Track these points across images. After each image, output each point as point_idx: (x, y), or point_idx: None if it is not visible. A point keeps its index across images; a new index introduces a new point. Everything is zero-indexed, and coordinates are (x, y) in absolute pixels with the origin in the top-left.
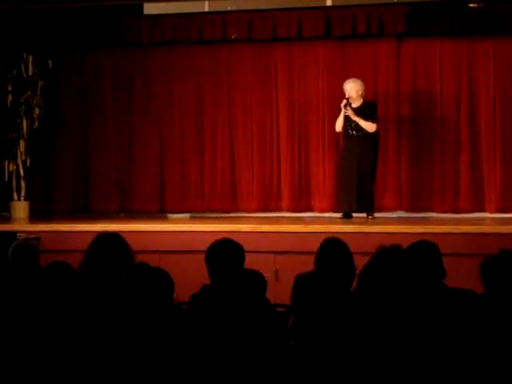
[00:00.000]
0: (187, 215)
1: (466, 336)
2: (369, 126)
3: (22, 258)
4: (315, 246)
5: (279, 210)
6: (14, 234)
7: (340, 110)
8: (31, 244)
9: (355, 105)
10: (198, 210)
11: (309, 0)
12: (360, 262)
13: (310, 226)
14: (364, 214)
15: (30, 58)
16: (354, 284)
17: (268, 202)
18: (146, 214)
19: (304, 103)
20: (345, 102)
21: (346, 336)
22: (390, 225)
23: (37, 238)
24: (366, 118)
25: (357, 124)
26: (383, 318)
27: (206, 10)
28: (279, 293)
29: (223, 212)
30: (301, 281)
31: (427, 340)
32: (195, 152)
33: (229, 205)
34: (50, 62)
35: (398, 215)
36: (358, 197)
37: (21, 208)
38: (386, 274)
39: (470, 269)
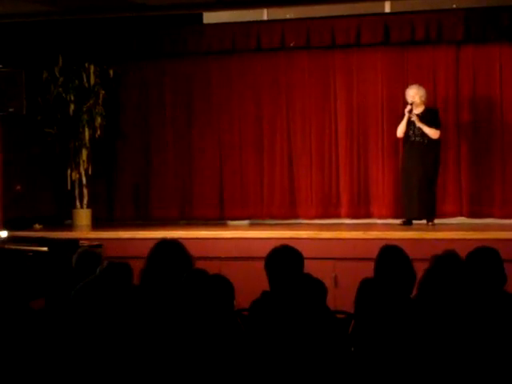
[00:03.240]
0: (246, 222)
1: None
2: (432, 133)
3: (87, 265)
4: (375, 252)
5: (338, 216)
6: (76, 241)
7: (399, 115)
8: (95, 252)
9: (418, 111)
10: (257, 217)
11: (367, 7)
12: (421, 269)
13: (369, 232)
14: (424, 221)
15: (92, 68)
16: (415, 291)
17: (327, 209)
18: (206, 221)
19: (363, 110)
20: (409, 107)
21: (406, 342)
22: (451, 231)
23: (99, 245)
24: (429, 125)
25: (421, 130)
26: (444, 325)
27: (265, 18)
28: (339, 299)
29: (282, 219)
30: (364, 286)
31: (488, 346)
32: (254, 159)
33: (288, 211)
34: (111, 72)
35: (459, 221)
36: (420, 203)
37: (83, 216)
38: (446, 280)
39: None
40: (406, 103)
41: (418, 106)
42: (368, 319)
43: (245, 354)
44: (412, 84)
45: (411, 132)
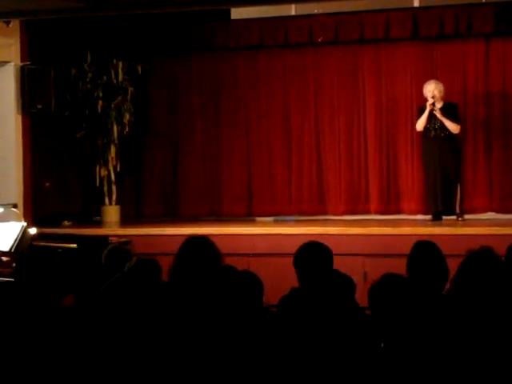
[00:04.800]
0: (271, 218)
1: None
2: (454, 127)
3: (116, 262)
4: (404, 248)
5: (367, 212)
6: (105, 238)
7: (420, 109)
8: (125, 248)
9: (437, 106)
10: (285, 213)
11: (396, 1)
12: (450, 265)
13: (398, 228)
14: (454, 216)
15: (120, 64)
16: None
17: (356, 205)
18: (234, 218)
19: (391, 105)
20: (432, 100)
21: (437, 338)
22: (481, 226)
23: (128, 241)
24: (450, 119)
25: (442, 124)
26: (477, 321)
27: (293, 13)
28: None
29: (311, 215)
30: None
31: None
32: (282, 155)
33: (316, 208)
34: (139, 68)
35: (489, 217)
36: (444, 198)
37: (112, 212)
38: (480, 277)
39: None
40: (425, 98)
41: (437, 100)
42: (399, 316)
43: (273, 350)
44: (429, 80)
45: (432, 126)
